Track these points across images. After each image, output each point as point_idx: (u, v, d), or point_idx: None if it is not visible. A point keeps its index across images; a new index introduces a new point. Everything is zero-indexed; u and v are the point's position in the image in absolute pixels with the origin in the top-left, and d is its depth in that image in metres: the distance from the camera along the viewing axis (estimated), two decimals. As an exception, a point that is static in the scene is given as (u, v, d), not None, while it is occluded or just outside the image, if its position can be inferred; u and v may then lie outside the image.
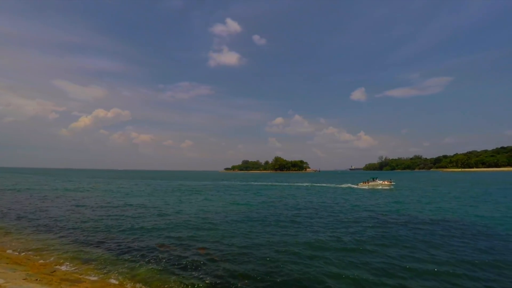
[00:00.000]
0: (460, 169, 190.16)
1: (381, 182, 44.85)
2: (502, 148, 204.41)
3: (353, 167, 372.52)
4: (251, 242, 11.69)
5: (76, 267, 8.98)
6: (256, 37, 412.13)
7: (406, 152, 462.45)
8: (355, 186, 46.83)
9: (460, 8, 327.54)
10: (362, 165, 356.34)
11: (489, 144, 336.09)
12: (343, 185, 50.98)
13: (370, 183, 45.16)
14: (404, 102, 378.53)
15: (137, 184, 54.17)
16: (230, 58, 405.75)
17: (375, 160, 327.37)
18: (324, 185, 53.31)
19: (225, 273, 8.35)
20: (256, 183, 62.81)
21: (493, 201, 24.82)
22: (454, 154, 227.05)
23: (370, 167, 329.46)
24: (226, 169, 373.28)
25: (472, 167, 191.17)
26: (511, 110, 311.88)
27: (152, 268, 8.77)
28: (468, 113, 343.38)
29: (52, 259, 9.70)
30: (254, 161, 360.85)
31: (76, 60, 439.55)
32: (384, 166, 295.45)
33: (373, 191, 38.13)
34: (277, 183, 60.09)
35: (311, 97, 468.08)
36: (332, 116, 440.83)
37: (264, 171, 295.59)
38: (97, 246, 11.20)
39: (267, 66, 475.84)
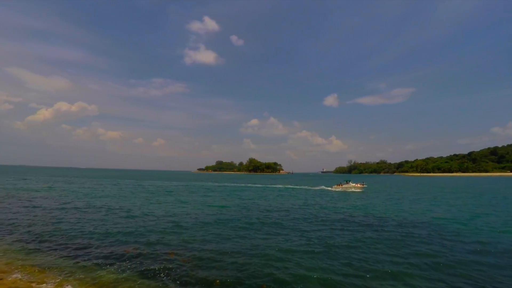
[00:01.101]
0: (419, 174, 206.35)
1: (354, 184, 46.25)
2: (455, 155, 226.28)
3: (324, 170, 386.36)
4: (222, 245, 11.59)
5: (28, 275, 8.18)
6: (234, 38, 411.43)
7: (373, 156, 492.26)
8: (329, 189, 48.28)
9: (424, 25, 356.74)
10: (332, 168, 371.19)
11: (444, 151, 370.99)
12: (317, 187, 52.53)
13: (343, 186, 46.64)
14: (373, 109, 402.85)
15: (103, 184, 50.91)
16: (207, 56, 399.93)
17: (345, 164, 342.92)
18: (299, 187, 54.53)
19: (194, 278, 8.17)
20: (230, 184, 62.42)
21: (446, 204, 27.24)
22: (415, 160, 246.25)
23: (340, 170, 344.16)
24: (200, 169, 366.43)
25: (430, 172, 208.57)
26: (463, 121, 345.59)
27: (115, 274, 8.29)
28: (427, 122, 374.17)
29: (-1, 267, 8.74)
30: (229, 162, 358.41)
31: (37, 46, 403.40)
32: (353, 170, 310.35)
33: (346, 194, 39.68)
34: (251, 185, 60.25)
35: (286, 100, 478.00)
36: (305, 120, 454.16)
37: (238, 172, 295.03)
38: (53, 252, 10.32)
39: (244, 67, 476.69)
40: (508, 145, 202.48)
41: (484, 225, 16.39)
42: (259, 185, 58.68)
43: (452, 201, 29.59)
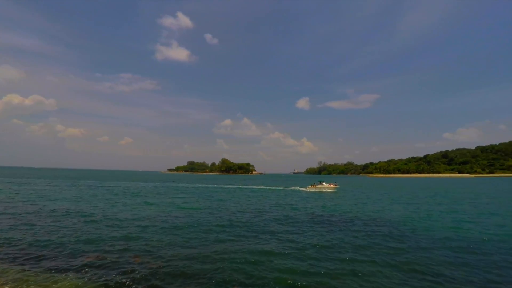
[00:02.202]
0: (382, 175, 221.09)
1: (327, 185, 47.72)
2: (413, 158, 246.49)
3: (296, 171, 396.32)
4: (191, 249, 11.24)
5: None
6: (208, 36, 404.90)
7: (341, 158, 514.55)
8: (304, 189, 49.41)
9: (389, 37, 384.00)
10: (303, 169, 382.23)
11: (404, 154, 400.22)
12: (291, 188, 53.53)
13: (317, 186, 47.96)
14: (342, 113, 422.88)
15: (59, 185, 46.66)
16: (179, 53, 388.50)
17: (315, 165, 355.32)
18: (272, 188, 55.09)
19: (162, 286, 7.78)
20: (201, 185, 61.09)
21: (405, 203, 29.42)
22: (378, 162, 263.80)
23: (310, 171, 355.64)
24: (170, 170, 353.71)
25: (391, 173, 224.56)
26: (420, 127, 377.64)
27: (73, 286, 7.58)
28: (389, 127, 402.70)
29: None
30: (200, 162, 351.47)
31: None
32: (322, 171, 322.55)
33: (320, 194, 40.95)
34: (224, 185, 59.58)
35: (259, 102, 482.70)
36: (278, 122, 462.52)
37: (210, 173, 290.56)
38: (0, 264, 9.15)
39: (218, 67, 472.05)
40: (457, 149, 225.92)
41: (436, 222, 17.96)
42: (231, 186, 58.27)
43: (410, 200, 32.06)
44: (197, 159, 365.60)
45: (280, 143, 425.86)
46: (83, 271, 8.66)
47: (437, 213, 21.84)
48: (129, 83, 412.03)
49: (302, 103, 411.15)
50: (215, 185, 60.43)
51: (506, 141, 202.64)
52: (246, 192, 42.31)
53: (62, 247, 11.15)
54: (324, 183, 48.43)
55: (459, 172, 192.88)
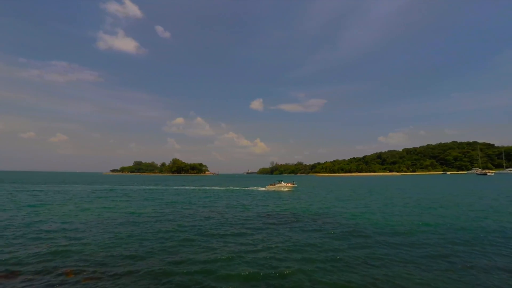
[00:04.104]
0: (328, 174, 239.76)
1: (285, 184, 49.00)
2: (354, 158, 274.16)
3: (249, 171, 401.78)
4: (131, 260, 10.13)
5: None
6: (159, 29, 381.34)
7: (291, 158, 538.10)
8: (263, 189, 50.07)
9: (335, 47, 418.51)
10: (257, 169, 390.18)
11: (347, 155, 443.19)
12: (250, 188, 53.61)
13: (276, 185, 48.97)
14: (293, 116, 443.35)
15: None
16: (126, 44, 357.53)
17: (267, 165, 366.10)
18: (231, 188, 54.28)
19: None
20: (148, 186, 56.79)
21: (347, 199, 32.15)
22: (324, 162, 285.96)
23: (263, 171, 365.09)
24: (114, 170, 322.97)
25: (336, 172, 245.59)
26: (360, 131, 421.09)
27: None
28: (334, 130, 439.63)
29: None
30: (149, 163, 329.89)
31: None
32: (274, 171, 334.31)
33: (278, 193, 41.90)
34: (176, 187, 56.45)
35: (214, 101, 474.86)
36: (232, 122, 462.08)
37: (160, 174, 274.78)
38: None
39: (170, 62, 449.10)
40: (388, 151, 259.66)
41: (372, 217, 19.96)
42: (184, 187, 55.62)
43: (352, 197, 35.21)
44: (145, 159, 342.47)
45: (234, 143, 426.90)
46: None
47: (376, 210, 24.30)
48: (64, 72, 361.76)
49: (256, 104, 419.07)
50: (166, 187, 56.88)
51: (424, 144, 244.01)
52: (200, 194, 40.77)
53: (-40, 269, 8.86)
54: (282, 183, 49.96)
55: (390, 171, 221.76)
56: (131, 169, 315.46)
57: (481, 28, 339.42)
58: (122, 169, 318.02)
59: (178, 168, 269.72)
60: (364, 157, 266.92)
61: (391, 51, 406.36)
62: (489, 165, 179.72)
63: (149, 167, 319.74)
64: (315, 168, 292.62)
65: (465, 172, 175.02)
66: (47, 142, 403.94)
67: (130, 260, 9.99)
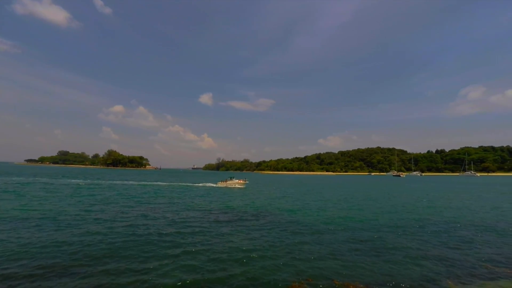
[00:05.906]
0: (272, 172, 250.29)
1: (237, 181, 48.98)
2: (296, 158, 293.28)
3: (195, 166, 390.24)
4: (41, 273, 8.73)
5: None
6: (99, 2, 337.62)
7: (238, 156, 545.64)
8: (214, 185, 49.04)
9: (284, 52, 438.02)
10: (202, 165, 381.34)
11: (290, 154, 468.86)
12: (200, 184, 51.75)
13: (228, 182, 48.47)
14: (242, 113, 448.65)
15: None
16: (53, 13, 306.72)
17: (214, 161, 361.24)
18: (176, 184, 51.14)
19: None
20: (75, 180, 49.59)
21: (287, 196, 34.10)
22: (270, 160, 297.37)
23: (209, 167, 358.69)
24: (30, 160, 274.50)
25: (279, 171, 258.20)
26: (303, 132, 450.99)
27: None
28: (280, 130, 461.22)
29: None
30: (78, 153, 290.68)
31: None
32: (221, 167, 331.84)
33: (230, 190, 41.51)
34: (114, 181, 50.62)
35: (159, 91, 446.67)
36: (179, 115, 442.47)
37: (92, 166, 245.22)
38: None
39: (110, 42, 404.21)
40: (326, 152, 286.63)
41: (312, 212, 21.59)
42: (119, 182, 50.34)
43: (292, 194, 37.49)
44: (74, 149, 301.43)
45: (180, 137, 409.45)
46: None
47: (314, 205, 26.35)
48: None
49: (206, 99, 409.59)
50: (97, 181, 50.44)
51: (356, 148, 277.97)
52: (139, 190, 37.50)
53: None
54: (234, 179, 49.95)
55: (327, 171, 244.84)
56: (54, 160, 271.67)
57: (406, 55, 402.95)
58: (42, 159, 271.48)
59: (115, 160, 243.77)
60: (305, 157, 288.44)
61: (334, 63, 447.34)
62: (402, 168, 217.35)
63: (77, 158, 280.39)
64: (260, 165, 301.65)
65: (385, 173, 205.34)
66: None
67: (42, 273, 8.51)
